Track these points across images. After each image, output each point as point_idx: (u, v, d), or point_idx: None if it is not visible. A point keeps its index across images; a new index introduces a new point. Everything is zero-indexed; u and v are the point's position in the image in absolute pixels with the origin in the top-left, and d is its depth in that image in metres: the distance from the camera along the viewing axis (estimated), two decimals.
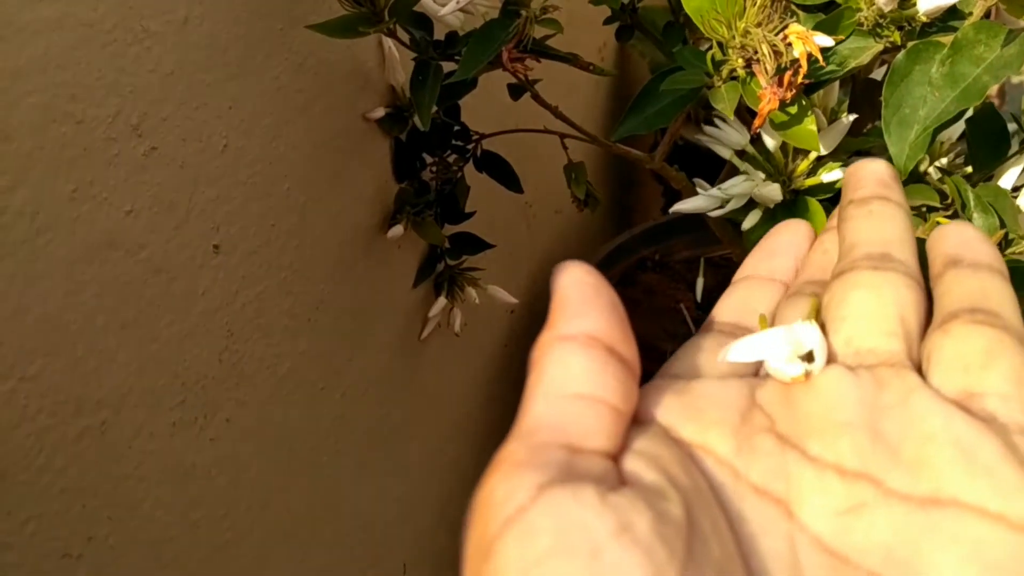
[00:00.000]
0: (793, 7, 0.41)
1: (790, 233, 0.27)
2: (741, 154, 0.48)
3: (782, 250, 0.27)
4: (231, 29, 0.44)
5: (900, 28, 0.42)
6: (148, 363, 0.42)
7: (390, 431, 0.65)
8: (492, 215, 0.70)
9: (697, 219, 0.58)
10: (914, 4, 0.40)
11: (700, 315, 0.86)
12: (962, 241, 0.23)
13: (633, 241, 0.91)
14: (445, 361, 0.71)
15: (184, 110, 0.42)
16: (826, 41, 0.36)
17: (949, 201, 0.46)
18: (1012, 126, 0.47)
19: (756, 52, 0.37)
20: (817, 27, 0.41)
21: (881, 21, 0.41)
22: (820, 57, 0.35)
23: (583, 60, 0.45)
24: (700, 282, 0.86)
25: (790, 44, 0.36)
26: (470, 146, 0.63)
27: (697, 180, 0.59)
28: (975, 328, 0.21)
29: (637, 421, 0.21)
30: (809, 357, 0.21)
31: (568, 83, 0.85)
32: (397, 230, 0.57)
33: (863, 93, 0.49)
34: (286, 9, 0.47)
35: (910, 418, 0.19)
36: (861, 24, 0.42)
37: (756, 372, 0.23)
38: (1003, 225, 0.42)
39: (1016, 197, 0.46)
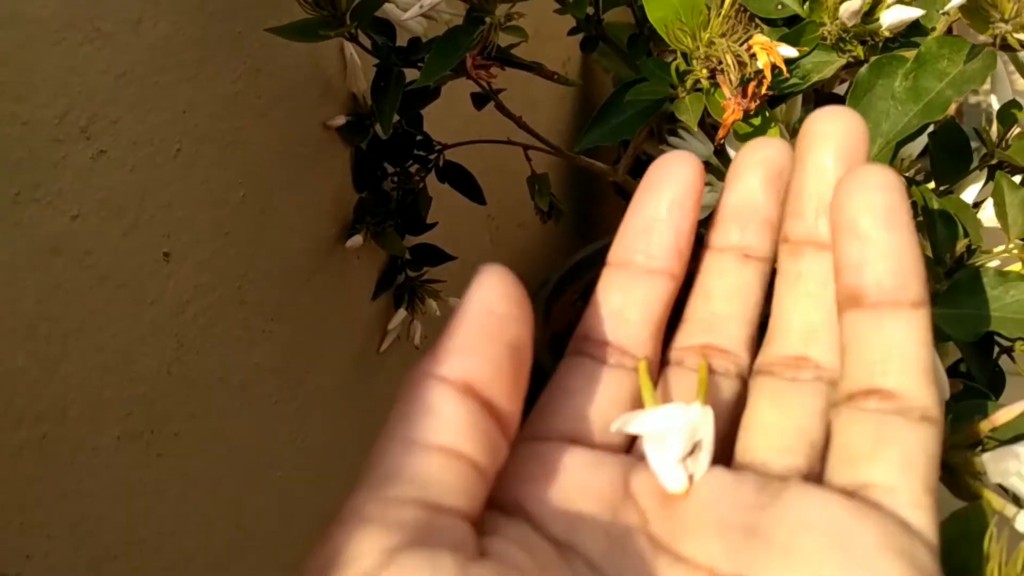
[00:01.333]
0: (757, 20, 0.41)
1: (672, 184, 0.22)
2: (706, 166, 0.48)
3: (662, 217, 0.22)
4: (187, 31, 0.43)
5: (863, 43, 0.42)
6: (92, 374, 0.40)
7: (349, 444, 0.64)
8: (454, 227, 0.69)
9: None
10: (877, 19, 0.40)
11: None
12: (867, 219, 0.19)
13: (596, 255, 0.90)
14: (405, 374, 0.70)
15: (136, 113, 0.41)
16: (790, 52, 0.36)
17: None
18: (974, 142, 0.47)
19: (720, 62, 0.36)
20: (780, 40, 0.41)
21: (844, 36, 0.41)
22: (784, 68, 0.35)
23: (548, 69, 0.45)
24: None
25: (754, 55, 0.35)
26: (432, 156, 0.62)
27: None
28: (866, 415, 0.19)
29: (505, 508, 0.19)
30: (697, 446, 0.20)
31: (531, 97, 0.85)
32: (356, 240, 0.56)
33: None
34: (245, 12, 0.46)
35: (786, 507, 0.18)
36: (824, 38, 0.42)
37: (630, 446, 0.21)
38: (967, 235, 0.42)
39: (977, 211, 0.46)
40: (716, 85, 0.38)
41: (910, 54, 0.39)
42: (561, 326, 0.86)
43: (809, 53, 0.43)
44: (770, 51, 0.35)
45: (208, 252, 0.46)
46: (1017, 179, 0.46)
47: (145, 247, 0.42)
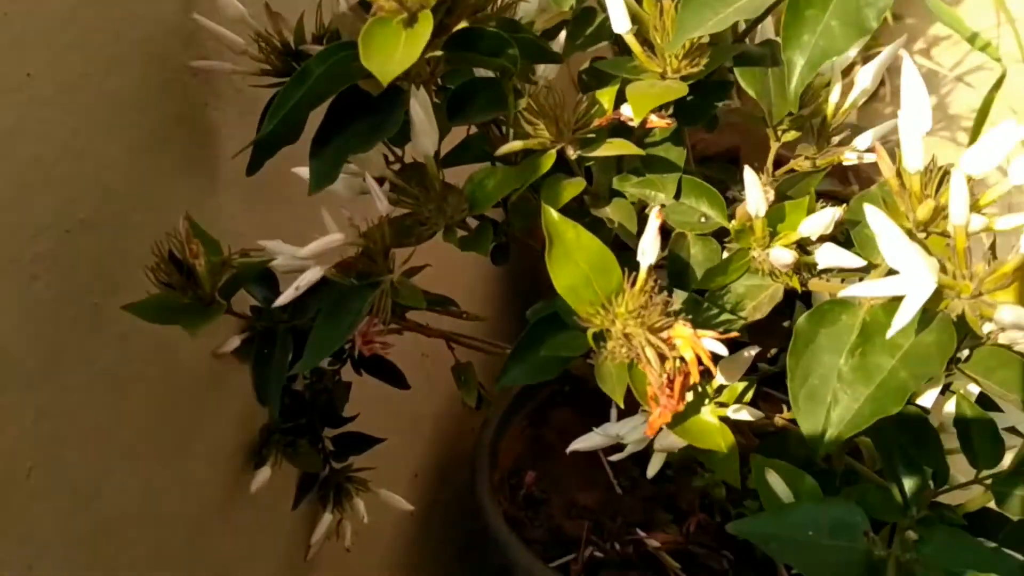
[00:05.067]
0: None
1: None
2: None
3: None
4: (32, 335, 0.37)
5: (797, 272, 0.37)
6: None
7: None
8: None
9: None
10: (812, 253, 0.36)
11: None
12: None
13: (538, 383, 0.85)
14: (347, 566, 0.65)
15: None
16: (718, 347, 0.31)
17: None
18: None
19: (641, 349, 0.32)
20: (706, 275, 0.37)
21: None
22: (710, 363, 0.30)
23: (456, 308, 0.40)
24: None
25: (674, 346, 0.31)
26: (347, 347, 0.57)
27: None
28: None
29: None
30: None
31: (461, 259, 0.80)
32: (263, 473, 0.49)
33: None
34: (103, 277, 0.40)
35: None
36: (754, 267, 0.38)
37: None
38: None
39: None
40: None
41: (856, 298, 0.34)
42: (509, 462, 0.81)
43: (739, 278, 0.39)
44: (694, 345, 0.30)
45: (85, 554, 0.40)
46: None
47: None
